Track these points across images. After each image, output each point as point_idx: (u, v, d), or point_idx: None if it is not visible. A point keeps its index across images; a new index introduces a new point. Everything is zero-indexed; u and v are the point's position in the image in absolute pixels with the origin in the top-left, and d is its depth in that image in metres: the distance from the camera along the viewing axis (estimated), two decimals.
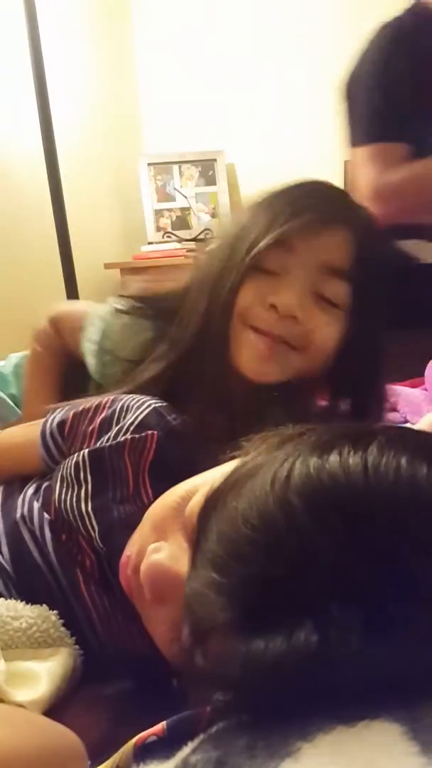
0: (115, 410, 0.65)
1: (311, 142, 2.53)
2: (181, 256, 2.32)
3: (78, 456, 0.61)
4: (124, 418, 0.64)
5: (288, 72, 2.53)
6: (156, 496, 0.52)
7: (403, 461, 0.35)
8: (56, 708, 0.47)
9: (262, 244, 0.70)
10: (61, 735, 0.38)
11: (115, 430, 0.63)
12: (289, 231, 0.70)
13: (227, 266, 0.73)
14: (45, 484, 0.64)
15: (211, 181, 2.67)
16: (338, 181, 2.45)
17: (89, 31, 2.49)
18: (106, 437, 0.62)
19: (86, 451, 0.61)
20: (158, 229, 2.64)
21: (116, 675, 0.52)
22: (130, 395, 0.68)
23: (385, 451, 0.36)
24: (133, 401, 0.66)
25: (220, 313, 0.73)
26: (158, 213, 2.65)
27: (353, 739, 0.28)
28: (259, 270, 0.72)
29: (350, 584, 0.31)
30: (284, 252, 0.71)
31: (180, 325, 0.78)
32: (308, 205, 0.73)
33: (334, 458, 0.36)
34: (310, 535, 0.33)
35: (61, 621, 0.52)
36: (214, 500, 0.39)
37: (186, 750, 0.33)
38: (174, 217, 2.66)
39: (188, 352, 0.76)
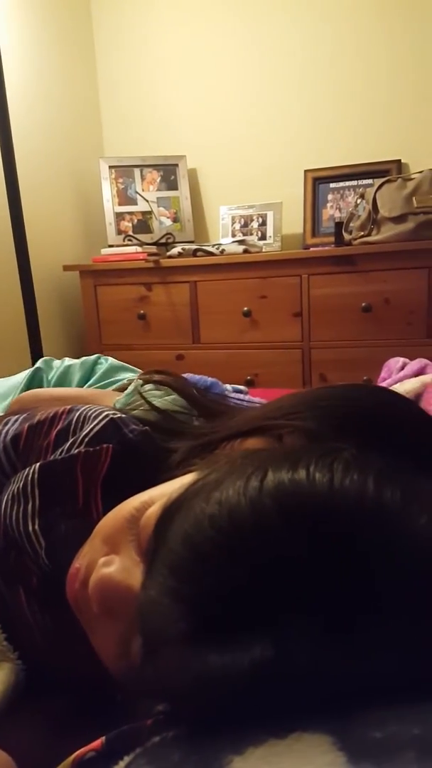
0: (71, 421, 0.62)
1: (273, 148, 2.56)
2: (141, 259, 2.32)
3: (29, 470, 0.59)
4: (81, 429, 0.61)
5: (250, 78, 2.55)
6: (106, 511, 0.50)
7: (369, 481, 0.35)
8: None
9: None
10: None
11: (69, 442, 0.60)
12: None
13: None
14: None
15: (173, 185, 2.67)
16: (299, 190, 2.48)
17: (49, 32, 2.46)
18: (60, 450, 0.60)
19: (37, 465, 0.59)
20: (119, 232, 2.62)
21: (59, 689, 0.51)
22: (88, 405, 0.66)
23: (351, 468, 0.36)
24: (91, 411, 0.63)
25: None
26: (119, 216, 2.64)
27: (284, 751, 0.28)
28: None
29: (311, 596, 0.31)
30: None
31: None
32: None
33: (302, 472, 0.36)
34: (278, 540, 0.33)
35: (4, 635, 0.51)
36: (175, 508, 0.39)
37: (121, 765, 0.33)
38: (135, 221, 2.65)
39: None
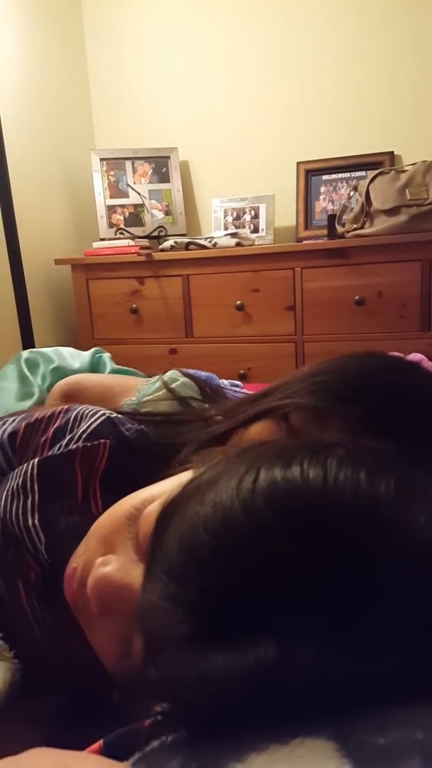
0: (69, 419, 0.64)
1: (265, 140, 2.54)
2: (133, 253, 2.30)
3: (27, 465, 0.59)
4: (78, 426, 0.63)
5: (242, 70, 2.53)
6: (106, 506, 0.50)
7: (363, 476, 0.35)
8: None
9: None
10: None
11: (67, 438, 0.61)
12: None
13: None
14: None
15: (164, 178, 2.65)
16: (291, 182, 2.47)
17: (39, 25, 2.43)
18: (58, 446, 0.61)
19: (36, 460, 0.59)
20: (111, 225, 2.60)
21: (56, 689, 0.51)
22: (85, 405, 0.67)
23: (345, 464, 0.35)
24: (88, 410, 0.65)
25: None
26: (111, 209, 2.62)
27: (286, 758, 0.27)
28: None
29: (310, 595, 0.31)
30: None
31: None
32: None
33: (296, 469, 0.35)
34: (274, 541, 0.32)
35: (0, 634, 0.51)
36: (173, 508, 0.38)
37: None
38: (127, 214, 2.63)
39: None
